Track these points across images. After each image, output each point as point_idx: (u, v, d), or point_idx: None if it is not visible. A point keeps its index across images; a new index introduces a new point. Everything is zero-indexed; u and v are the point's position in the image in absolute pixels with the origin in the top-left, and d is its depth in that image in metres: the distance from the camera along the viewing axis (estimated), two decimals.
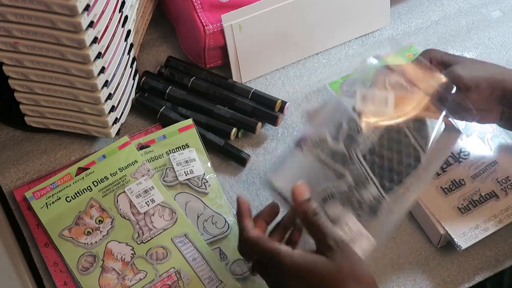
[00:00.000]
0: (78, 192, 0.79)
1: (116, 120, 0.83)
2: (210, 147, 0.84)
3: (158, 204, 0.79)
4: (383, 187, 0.71)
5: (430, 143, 0.74)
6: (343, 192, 0.71)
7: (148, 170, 0.80)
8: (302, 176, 0.70)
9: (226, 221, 0.79)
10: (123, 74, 0.82)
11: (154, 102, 0.87)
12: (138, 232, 0.77)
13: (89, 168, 0.81)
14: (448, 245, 0.78)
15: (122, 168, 0.81)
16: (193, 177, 0.81)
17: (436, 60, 0.77)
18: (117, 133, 0.85)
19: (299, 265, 0.62)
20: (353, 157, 0.72)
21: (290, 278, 0.62)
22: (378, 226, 0.70)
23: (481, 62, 0.78)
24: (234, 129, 0.85)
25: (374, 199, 0.71)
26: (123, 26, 0.80)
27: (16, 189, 0.80)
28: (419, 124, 0.74)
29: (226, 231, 0.78)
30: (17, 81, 0.77)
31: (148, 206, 0.78)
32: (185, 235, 0.77)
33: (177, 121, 0.85)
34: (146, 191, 0.79)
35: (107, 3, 0.73)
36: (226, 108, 0.86)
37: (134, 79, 0.88)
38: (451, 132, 0.76)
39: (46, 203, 0.78)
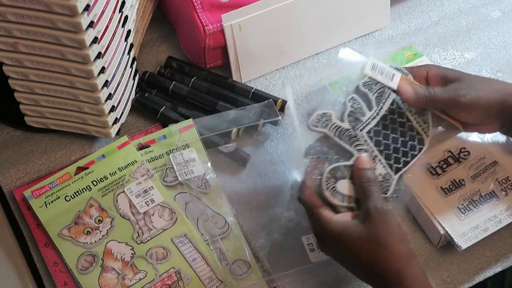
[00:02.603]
0: (77, 192, 0.79)
1: (116, 120, 0.83)
2: (209, 147, 0.84)
3: (158, 204, 0.79)
4: (391, 168, 0.73)
5: (430, 129, 0.76)
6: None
7: (148, 170, 0.80)
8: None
9: (226, 221, 0.79)
10: (123, 74, 0.82)
11: (154, 102, 0.87)
12: (137, 232, 0.77)
13: (88, 168, 0.81)
14: (448, 245, 0.78)
15: (122, 168, 0.81)
16: (193, 177, 0.81)
17: (434, 77, 0.76)
18: (117, 133, 0.85)
19: (334, 229, 0.67)
20: (359, 137, 0.73)
21: (331, 240, 0.68)
22: (389, 204, 0.72)
23: (483, 79, 0.78)
24: (235, 129, 0.85)
25: (382, 178, 0.72)
26: (123, 26, 0.80)
27: (16, 189, 0.80)
28: (420, 109, 0.76)
29: (226, 231, 0.78)
30: (17, 81, 0.77)
31: (147, 206, 0.78)
32: (185, 235, 0.77)
33: (177, 121, 0.85)
34: (145, 191, 0.79)
35: (107, 3, 0.73)
36: (228, 105, 0.86)
37: (134, 79, 0.88)
38: (451, 127, 0.78)
39: (45, 202, 0.78)
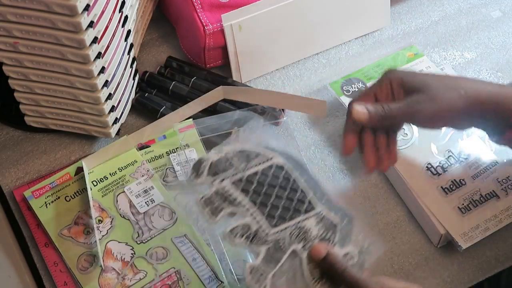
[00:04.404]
0: (77, 192, 0.79)
1: (116, 120, 0.83)
2: (210, 147, 0.84)
3: (158, 204, 0.79)
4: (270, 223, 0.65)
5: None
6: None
7: (148, 170, 0.80)
8: None
9: None
10: (123, 74, 0.82)
11: (154, 102, 0.87)
12: (137, 232, 0.77)
13: None
14: (448, 245, 0.78)
15: (122, 168, 0.81)
16: None
17: (396, 88, 0.71)
18: (117, 133, 0.85)
19: None
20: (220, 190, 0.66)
21: None
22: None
23: (447, 86, 0.70)
24: (235, 130, 0.85)
25: (253, 234, 0.65)
26: (123, 26, 0.80)
27: (16, 189, 0.80)
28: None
29: None
30: (17, 81, 0.77)
31: (147, 206, 0.78)
32: (185, 235, 0.77)
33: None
34: (145, 191, 0.79)
35: (107, 3, 0.73)
36: (228, 105, 0.87)
37: (134, 79, 0.88)
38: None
39: (45, 202, 0.78)
